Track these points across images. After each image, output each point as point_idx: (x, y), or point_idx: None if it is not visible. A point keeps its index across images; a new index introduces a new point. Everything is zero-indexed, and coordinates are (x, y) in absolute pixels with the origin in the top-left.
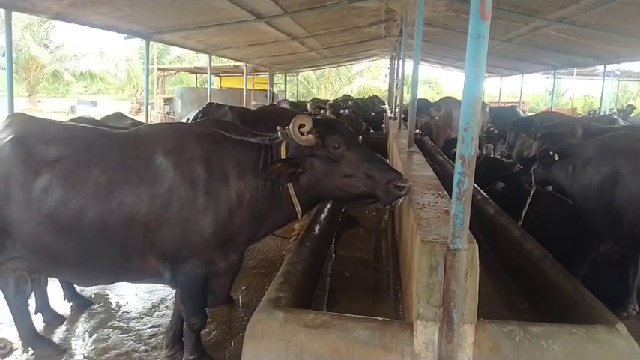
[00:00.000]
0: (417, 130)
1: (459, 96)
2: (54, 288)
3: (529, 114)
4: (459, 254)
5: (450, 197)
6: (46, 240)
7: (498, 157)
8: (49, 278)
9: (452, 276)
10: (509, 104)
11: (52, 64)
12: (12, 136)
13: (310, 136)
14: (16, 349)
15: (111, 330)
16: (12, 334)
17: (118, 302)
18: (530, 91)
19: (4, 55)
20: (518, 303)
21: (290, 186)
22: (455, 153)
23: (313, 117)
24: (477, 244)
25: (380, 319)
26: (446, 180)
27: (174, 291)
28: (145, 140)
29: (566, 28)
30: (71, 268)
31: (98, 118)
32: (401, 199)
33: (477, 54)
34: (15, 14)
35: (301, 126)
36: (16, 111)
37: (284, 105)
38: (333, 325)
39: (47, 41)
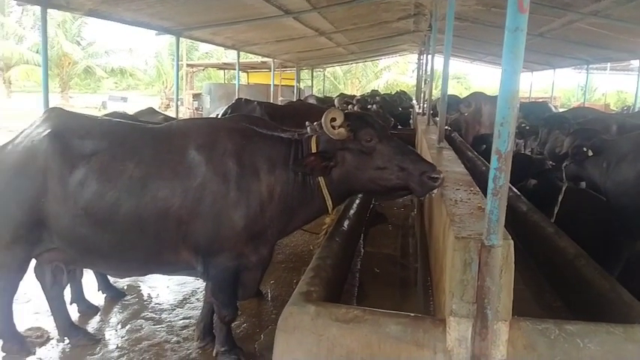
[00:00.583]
0: (446, 126)
1: (487, 91)
2: (88, 280)
3: (561, 110)
4: (494, 251)
5: (482, 193)
6: (81, 232)
7: (529, 153)
8: (83, 270)
9: (486, 272)
10: (541, 100)
11: (84, 60)
12: (49, 131)
13: (342, 130)
14: (52, 338)
15: (143, 321)
16: (48, 324)
17: (150, 294)
18: (561, 86)
19: (37, 52)
20: (551, 301)
21: (321, 180)
22: (485, 149)
23: (344, 111)
24: (512, 241)
25: (412, 314)
26: (475, 176)
27: (205, 284)
28: (178, 135)
29: (601, 21)
30: (106, 260)
31: (130, 113)
32: (435, 191)
33: (515, 47)
34: (49, 11)
35: (333, 119)
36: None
37: (311, 100)
38: (364, 320)
39: (79, 38)
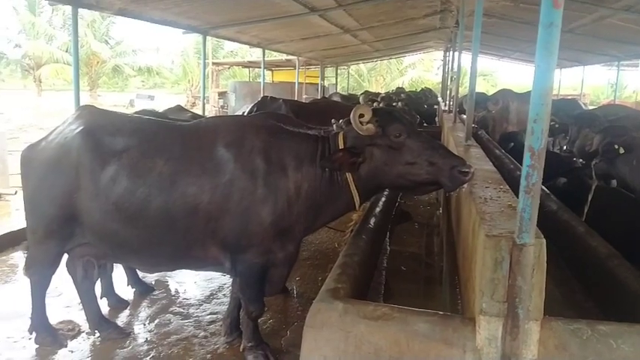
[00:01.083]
0: (473, 124)
1: (515, 89)
2: (118, 274)
3: (590, 107)
4: (526, 249)
5: (512, 191)
6: (112, 227)
7: (558, 151)
8: (114, 265)
9: (518, 271)
10: (569, 97)
11: (112, 59)
12: (81, 128)
13: (370, 126)
14: (83, 332)
15: (172, 316)
16: (79, 317)
17: (177, 289)
18: (590, 83)
19: (67, 51)
20: (582, 301)
21: (349, 176)
22: (512, 147)
23: (372, 106)
24: (544, 240)
25: (441, 313)
26: (503, 175)
27: (231, 280)
28: (207, 132)
29: (633, 17)
30: (136, 255)
31: (159, 111)
32: (465, 185)
33: (549, 43)
34: (79, 11)
35: (361, 116)
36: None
37: (335, 98)
38: (393, 317)
39: (107, 37)
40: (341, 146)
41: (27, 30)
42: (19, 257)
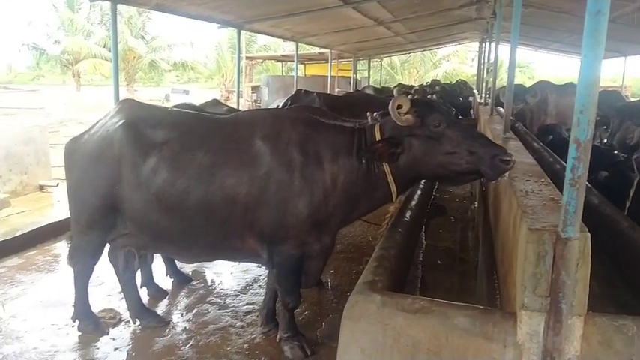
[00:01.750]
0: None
1: (553, 80)
2: (157, 264)
3: (632, 99)
4: (570, 243)
5: (554, 184)
6: (153, 218)
7: (599, 144)
8: (153, 255)
9: (562, 266)
10: (610, 89)
11: (148, 54)
12: (123, 121)
13: (409, 116)
14: (124, 320)
15: (209, 305)
16: (120, 306)
17: (214, 280)
18: (632, 75)
19: (104, 47)
20: (626, 298)
21: (386, 167)
22: (551, 140)
23: (410, 97)
24: (589, 234)
25: (481, 307)
26: (542, 168)
27: (267, 271)
28: (244, 125)
29: None
30: (175, 245)
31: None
32: (506, 174)
33: (596, 32)
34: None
35: (399, 106)
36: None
37: (368, 91)
38: (432, 310)
39: (143, 33)
40: (378, 138)
41: (66, 26)
42: (61, 247)
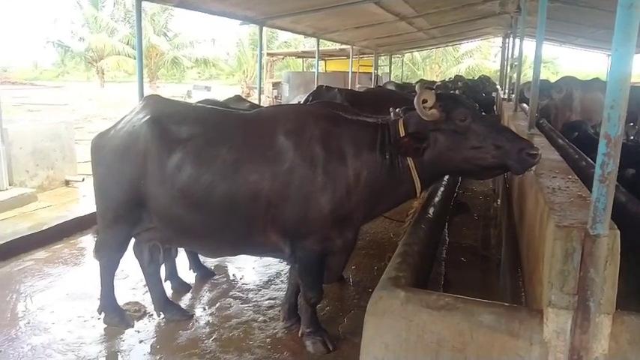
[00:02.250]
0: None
1: (577, 76)
2: (180, 259)
3: None
4: (599, 241)
5: (581, 181)
6: (177, 212)
7: (625, 140)
8: (177, 249)
9: (590, 263)
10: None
11: (171, 51)
12: (148, 117)
13: (434, 111)
14: (148, 313)
15: (232, 300)
16: (145, 299)
17: (236, 275)
18: None
19: (127, 44)
20: None
21: (411, 162)
22: (577, 136)
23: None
24: (618, 231)
25: (506, 304)
26: (568, 165)
27: (289, 266)
28: (267, 121)
29: None
30: (199, 240)
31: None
32: (533, 168)
33: (628, 26)
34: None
35: (425, 101)
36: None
37: (390, 87)
38: (456, 307)
39: (166, 30)
40: (402, 133)
41: (90, 24)
42: (87, 241)
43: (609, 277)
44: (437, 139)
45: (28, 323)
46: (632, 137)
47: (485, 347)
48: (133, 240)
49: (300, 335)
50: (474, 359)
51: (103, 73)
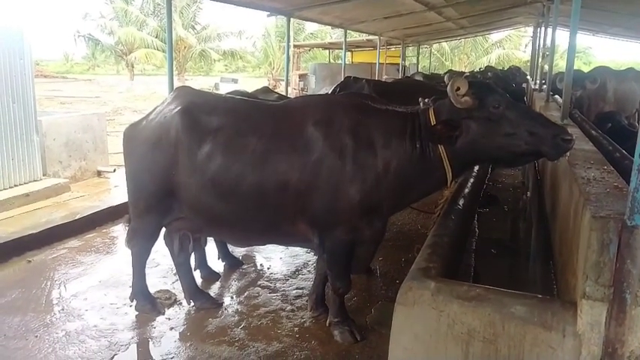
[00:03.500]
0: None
1: (611, 66)
2: (209, 248)
3: None
4: (637, 232)
5: (617, 172)
6: (208, 202)
7: None
8: (207, 239)
9: (627, 255)
10: None
11: (199, 44)
12: (179, 107)
13: (467, 98)
14: (178, 301)
15: (260, 289)
16: (175, 287)
17: (264, 264)
18: None
19: (156, 37)
20: None
21: (442, 151)
22: (610, 127)
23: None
24: None
25: (539, 296)
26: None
27: (316, 257)
28: (296, 111)
29: None
30: (229, 229)
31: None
32: (567, 154)
33: None
34: None
35: (458, 88)
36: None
37: (418, 78)
38: (487, 298)
39: (194, 23)
40: (432, 121)
41: (120, 17)
42: (119, 230)
43: None
44: (470, 127)
45: (62, 310)
46: None
47: (516, 339)
48: (163, 229)
49: (327, 325)
50: (505, 350)
51: (133, 66)
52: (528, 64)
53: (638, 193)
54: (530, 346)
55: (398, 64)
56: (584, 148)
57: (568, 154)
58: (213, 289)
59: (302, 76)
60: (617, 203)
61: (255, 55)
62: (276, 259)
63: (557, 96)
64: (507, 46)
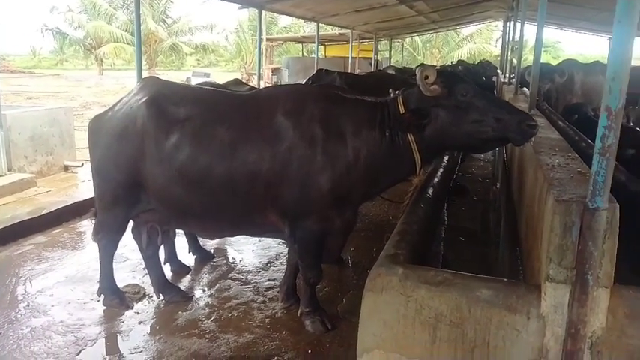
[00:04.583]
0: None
1: (580, 60)
2: (179, 242)
3: None
4: (598, 214)
5: (581, 159)
6: (176, 193)
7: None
8: (176, 232)
9: (589, 237)
10: None
11: (170, 38)
12: (146, 98)
13: (436, 86)
14: (148, 295)
15: (231, 281)
16: (144, 281)
17: (236, 257)
18: None
19: (126, 30)
20: None
21: (411, 139)
22: (577, 119)
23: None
24: (617, 205)
25: (504, 279)
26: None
27: (288, 248)
28: (266, 101)
29: None
30: (198, 221)
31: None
32: (532, 139)
33: None
34: None
35: (426, 77)
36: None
37: (390, 71)
38: (454, 283)
39: (164, 16)
40: (401, 110)
41: (88, 10)
42: (86, 225)
43: (608, 250)
44: (438, 115)
45: (28, 306)
46: (632, 122)
47: (482, 322)
48: (131, 222)
49: (299, 315)
50: (471, 334)
51: (102, 61)
52: (499, 58)
53: (599, 176)
54: (495, 328)
55: (371, 58)
56: (549, 137)
57: (533, 139)
58: (184, 283)
59: (275, 70)
60: (580, 188)
61: (228, 49)
62: (248, 252)
63: (525, 88)
64: (478, 41)
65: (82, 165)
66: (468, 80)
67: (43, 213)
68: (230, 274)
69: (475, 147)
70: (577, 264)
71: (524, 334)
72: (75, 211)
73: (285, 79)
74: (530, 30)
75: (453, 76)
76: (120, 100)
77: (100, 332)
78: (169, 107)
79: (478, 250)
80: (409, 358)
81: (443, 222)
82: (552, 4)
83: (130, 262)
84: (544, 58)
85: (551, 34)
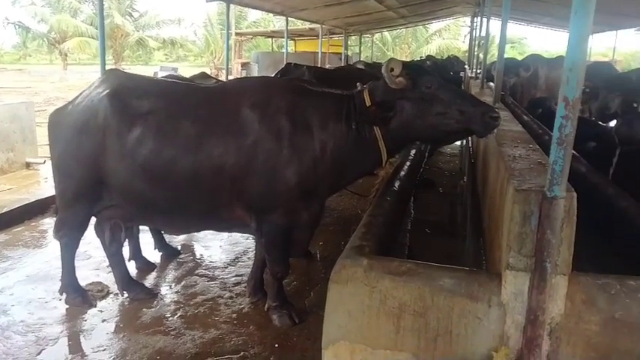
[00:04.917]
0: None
1: (544, 55)
2: (145, 239)
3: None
4: (556, 202)
5: (542, 151)
6: (139, 188)
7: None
8: (140, 229)
9: (547, 225)
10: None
11: (136, 32)
12: (108, 91)
13: (401, 79)
14: (112, 293)
15: (198, 277)
16: (108, 279)
17: (203, 253)
18: (623, 49)
19: (91, 24)
20: (612, 262)
21: (377, 131)
22: (541, 113)
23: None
24: (575, 193)
25: (466, 268)
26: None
27: (255, 244)
28: (232, 94)
29: None
30: (162, 216)
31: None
32: (495, 130)
33: None
34: None
35: (392, 69)
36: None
37: (360, 66)
38: (417, 273)
39: (131, 10)
40: (368, 102)
41: (52, 4)
42: (48, 223)
43: (566, 238)
44: (403, 107)
45: None
46: (593, 116)
47: (445, 310)
48: (94, 219)
49: (266, 309)
50: (434, 323)
51: (67, 56)
52: (467, 53)
53: (556, 165)
54: (458, 317)
55: (341, 53)
56: (512, 129)
57: (496, 131)
58: (149, 280)
59: (244, 65)
60: (539, 177)
61: (197, 43)
62: (216, 248)
63: (491, 83)
64: (447, 36)
65: (44, 162)
66: (433, 73)
67: (3, 211)
68: (197, 271)
69: (439, 139)
70: (536, 252)
71: (485, 321)
72: (37, 209)
73: (255, 73)
74: (496, 26)
75: (418, 68)
76: (81, 94)
77: (61, 331)
78: (132, 100)
79: (444, 242)
80: (374, 348)
81: (409, 214)
82: (517, 0)
83: (93, 259)
84: (511, 54)
85: (517, 30)
